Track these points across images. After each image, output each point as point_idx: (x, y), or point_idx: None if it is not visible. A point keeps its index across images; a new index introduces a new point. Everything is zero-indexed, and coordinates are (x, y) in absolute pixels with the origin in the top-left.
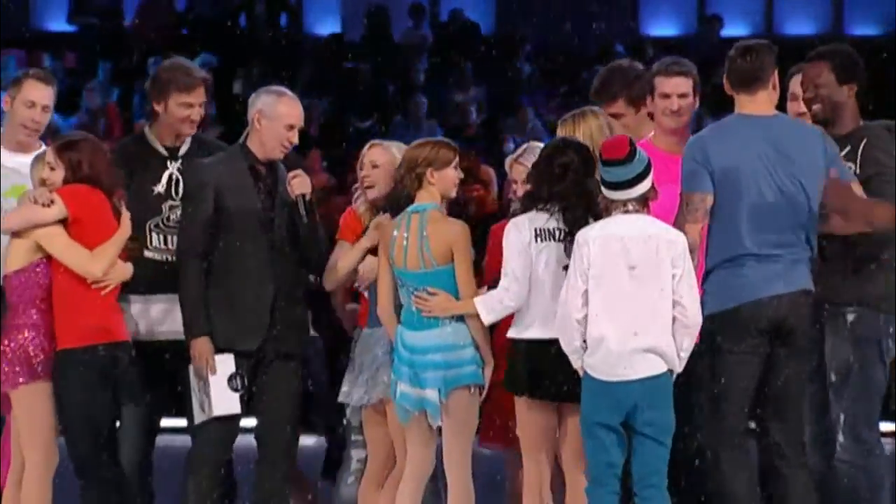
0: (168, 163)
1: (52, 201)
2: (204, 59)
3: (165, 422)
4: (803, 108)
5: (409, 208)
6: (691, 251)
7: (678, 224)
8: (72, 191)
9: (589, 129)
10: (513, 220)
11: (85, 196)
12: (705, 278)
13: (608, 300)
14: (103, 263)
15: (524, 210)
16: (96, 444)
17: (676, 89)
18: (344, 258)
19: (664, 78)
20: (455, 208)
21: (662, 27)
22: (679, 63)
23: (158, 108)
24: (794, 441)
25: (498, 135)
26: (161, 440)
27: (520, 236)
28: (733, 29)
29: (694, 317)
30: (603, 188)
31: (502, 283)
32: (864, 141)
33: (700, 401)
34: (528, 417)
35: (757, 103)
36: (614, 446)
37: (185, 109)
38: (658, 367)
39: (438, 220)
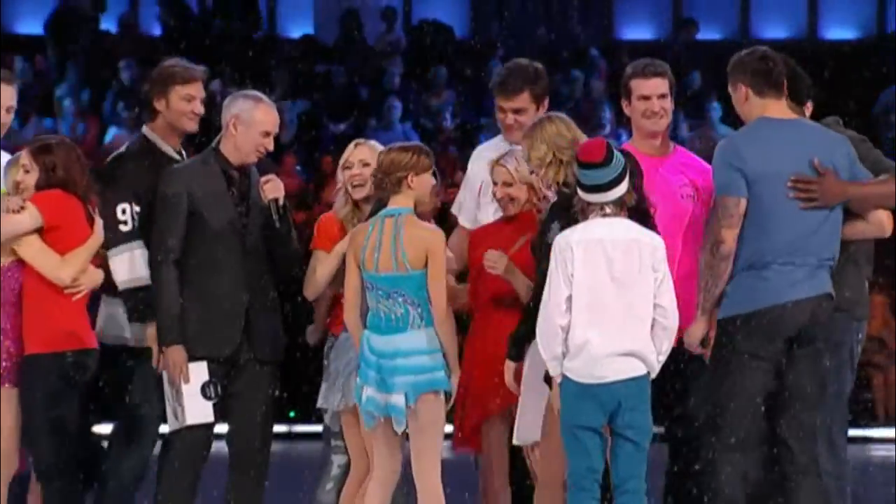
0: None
1: (22, 207)
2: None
3: None
4: None
5: (383, 212)
6: (725, 257)
7: (713, 229)
8: (46, 197)
9: (548, 135)
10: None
11: (60, 202)
12: (729, 281)
13: (591, 304)
14: (73, 269)
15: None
16: (59, 452)
17: (656, 90)
18: (322, 265)
19: (642, 80)
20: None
21: (637, 31)
22: (655, 64)
23: (159, 105)
24: (808, 448)
25: (472, 138)
26: None
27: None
28: (708, 33)
29: (673, 319)
30: (579, 191)
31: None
32: None
33: (710, 403)
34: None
35: (783, 107)
36: (596, 450)
37: (186, 103)
38: (638, 370)
39: (414, 224)
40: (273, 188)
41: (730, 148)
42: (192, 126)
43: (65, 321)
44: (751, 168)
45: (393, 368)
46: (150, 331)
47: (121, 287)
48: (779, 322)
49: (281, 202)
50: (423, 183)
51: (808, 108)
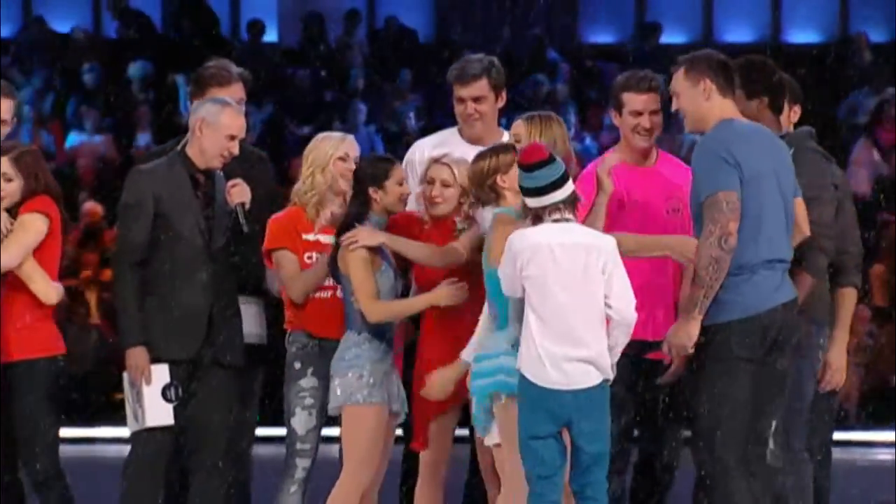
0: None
1: (11, 223)
2: (139, 67)
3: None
4: None
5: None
6: (732, 250)
7: (720, 222)
8: (44, 204)
9: (553, 135)
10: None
11: (53, 208)
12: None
13: (541, 310)
14: (61, 292)
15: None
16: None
17: (648, 106)
18: (319, 268)
19: (635, 94)
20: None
21: (600, 34)
22: (648, 78)
23: None
24: (784, 444)
25: None
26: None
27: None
28: (672, 36)
29: (628, 314)
30: (525, 197)
31: None
32: None
33: (702, 412)
34: None
35: (738, 112)
36: (551, 455)
37: None
38: (593, 378)
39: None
40: (239, 192)
41: (721, 144)
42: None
43: (39, 328)
44: (744, 168)
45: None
46: None
47: None
48: (770, 326)
49: (247, 206)
50: (513, 178)
51: (796, 111)
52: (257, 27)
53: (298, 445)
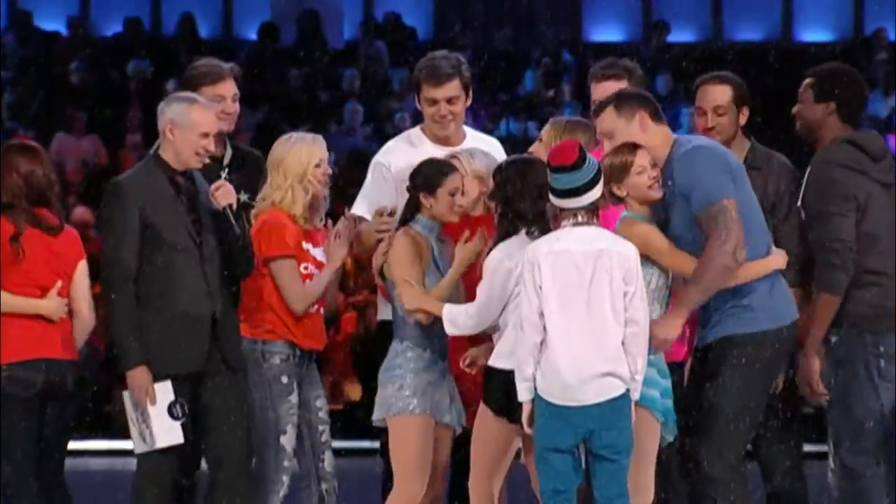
0: (221, 172)
1: None
2: (136, 66)
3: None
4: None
5: None
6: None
7: (734, 233)
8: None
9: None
10: (505, 245)
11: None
12: (736, 292)
13: (563, 322)
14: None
15: (508, 234)
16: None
17: (602, 96)
18: (322, 279)
19: (594, 84)
20: None
21: (606, 33)
22: (608, 65)
23: None
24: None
25: None
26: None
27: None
28: (679, 35)
29: (645, 336)
30: (552, 197)
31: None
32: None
33: (718, 421)
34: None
35: None
36: (568, 470)
37: (217, 103)
38: (616, 389)
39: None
40: (225, 194)
41: (722, 155)
42: (226, 126)
43: (34, 331)
44: (736, 177)
45: None
46: None
47: None
48: (792, 338)
49: (234, 207)
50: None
51: (744, 113)
52: (267, 30)
53: (286, 463)
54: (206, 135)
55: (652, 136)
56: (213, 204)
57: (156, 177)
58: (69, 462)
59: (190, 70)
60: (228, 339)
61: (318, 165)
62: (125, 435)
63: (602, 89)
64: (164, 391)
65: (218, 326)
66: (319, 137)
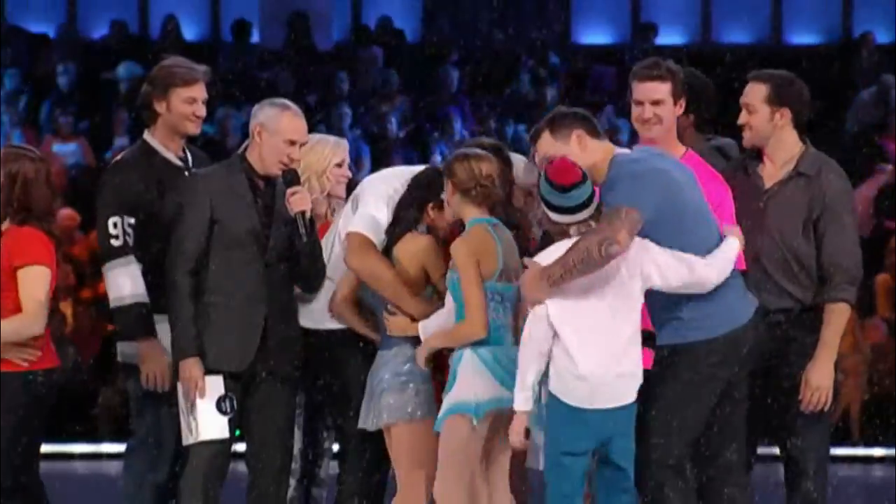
0: (187, 175)
1: None
2: (127, 68)
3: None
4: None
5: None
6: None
7: (618, 231)
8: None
9: None
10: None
11: None
12: (671, 303)
13: (579, 328)
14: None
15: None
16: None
17: (649, 95)
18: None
19: (637, 83)
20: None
21: (595, 35)
22: (653, 66)
23: (160, 108)
24: (742, 462)
25: (424, 145)
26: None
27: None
28: (668, 37)
29: (696, 276)
30: (553, 214)
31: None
32: None
33: (660, 427)
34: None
35: None
36: (579, 474)
37: (188, 105)
38: (631, 395)
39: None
40: (300, 200)
41: (645, 172)
42: (195, 129)
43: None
44: (669, 187)
45: None
46: (142, 346)
47: (111, 305)
48: (744, 340)
49: (308, 215)
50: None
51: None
52: (241, 27)
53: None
54: (292, 142)
55: (592, 153)
56: (287, 212)
57: (236, 176)
58: (54, 465)
59: (161, 69)
60: (278, 345)
61: (339, 165)
62: (110, 438)
63: (644, 90)
64: (215, 385)
65: (268, 332)
66: (343, 140)
